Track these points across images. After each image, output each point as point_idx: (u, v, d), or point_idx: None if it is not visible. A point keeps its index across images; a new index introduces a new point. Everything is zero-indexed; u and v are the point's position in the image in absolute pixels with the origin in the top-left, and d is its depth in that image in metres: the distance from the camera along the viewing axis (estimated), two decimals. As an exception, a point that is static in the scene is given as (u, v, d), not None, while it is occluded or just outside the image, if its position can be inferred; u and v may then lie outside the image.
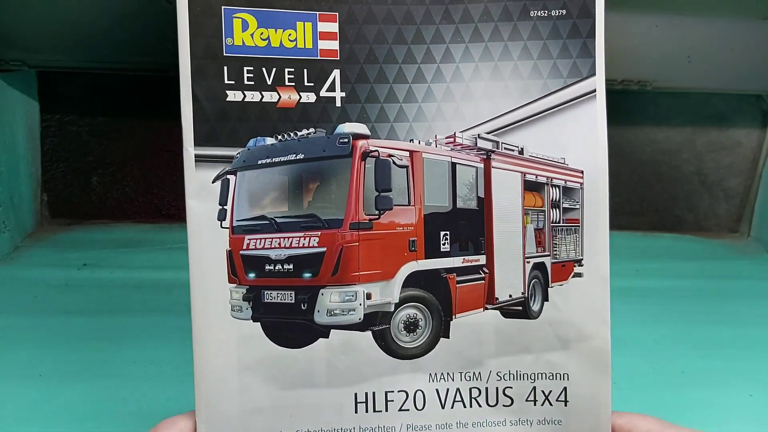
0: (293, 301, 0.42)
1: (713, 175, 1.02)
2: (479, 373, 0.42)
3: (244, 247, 0.42)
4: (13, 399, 0.58)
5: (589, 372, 0.42)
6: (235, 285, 0.40)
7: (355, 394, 0.40)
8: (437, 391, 0.41)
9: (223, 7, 0.39)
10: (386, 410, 0.41)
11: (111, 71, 0.85)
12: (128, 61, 0.83)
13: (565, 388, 0.42)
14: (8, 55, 0.82)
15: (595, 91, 0.40)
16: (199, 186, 0.38)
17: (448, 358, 0.42)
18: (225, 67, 0.39)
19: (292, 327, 0.41)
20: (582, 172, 0.41)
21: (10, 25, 0.78)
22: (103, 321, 0.70)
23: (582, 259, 0.42)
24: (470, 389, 0.42)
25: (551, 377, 0.42)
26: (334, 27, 0.39)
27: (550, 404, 0.42)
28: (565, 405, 0.42)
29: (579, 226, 0.42)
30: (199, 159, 0.38)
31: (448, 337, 0.42)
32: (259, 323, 0.40)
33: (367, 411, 0.40)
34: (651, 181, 1.01)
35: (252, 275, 0.42)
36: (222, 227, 0.39)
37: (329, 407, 0.40)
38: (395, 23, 0.40)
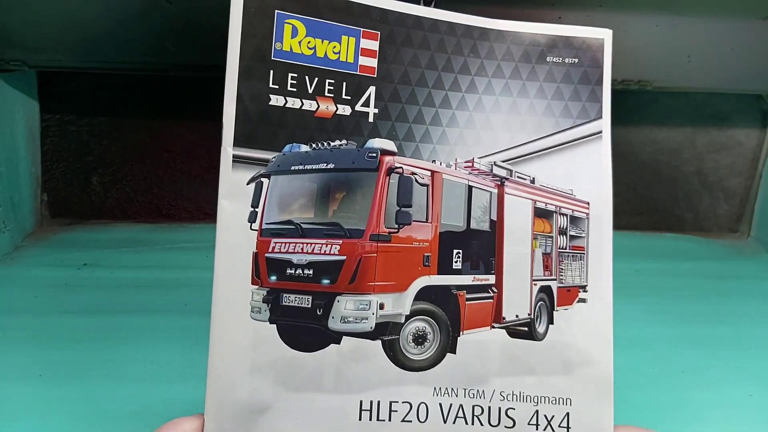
0: (310, 306, 0.42)
1: (713, 175, 1.02)
2: (483, 391, 0.42)
3: (270, 250, 0.43)
4: (13, 399, 0.58)
5: (591, 398, 0.42)
6: (257, 287, 0.41)
7: (361, 402, 0.41)
8: (440, 405, 0.42)
9: (277, 11, 0.40)
10: (389, 420, 0.41)
11: (111, 71, 0.85)
12: (128, 61, 0.83)
13: (567, 414, 0.42)
14: (8, 55, 0.82)
15: (601, 132, 0.44)
16: (234, 186, 0.39)
17: (453, 374, 0.42)
18: (271, 71, 0.40)
19: (306, 331, 0.42)
20: (588, 203, 0.44)
21: (10, 25, 0.78)
22: (103, 321, 0.70)
23: (586, 286, 0.44)
24: (473, 407, 0.42)
25: (554, 401, 0.43)
26: (375, 45, 0.42)
27: (552, 430, 0.42)
28: (567, 431, 0.43)
29: (584, 253, 0.44)
30: (236, 160, 0.39)
31: (454, 353, 0.43)
32: (275, 325, 0.40)
33: (370, 419, 0.41)
34: (651, 181, 1.01)
35: (274, 278, 0.43)
36: (251, 229, 0.40)
37: (334, 413, 0.41)
38: (429, 49, 0.43)
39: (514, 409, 0.42)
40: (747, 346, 0.71)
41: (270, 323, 0.41)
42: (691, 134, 1.01)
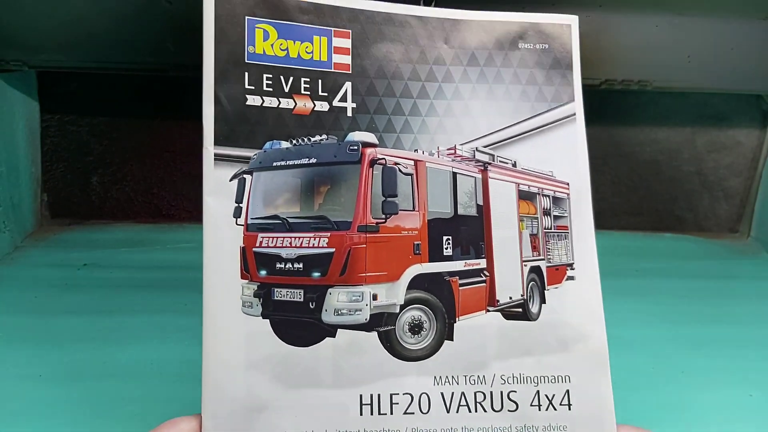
0: (302, 300, 0.42)
1: (713, 175, 1.02)
2: (484, 376, 0.42)
3: (257, 244, 0.43)
4: (13, 399, 0.58)
5: (589, 373, 0.43)
6: (246, 281, 0.41)
7: (360, 396, 0.40)
8: (442, 394, 0.41)
9: (246, 17, 0.41)
10: (391, 413, 0.41)
11: (111, 71, 0.85)
12: (128, 61, 0.83)
13: (567, 391, 0.43)
14: (8, 55, 0.82)
15: (575, 114, 0.45)
16: (217, 184, 0.40)
17: (452, 361, 0.42)
18: (246, 73, 0.41)
19: (300, 325, 0.42)
20: (568, 183, 0.45)
21: (10, 25, 0.78)
22: (103, 321, 0.70)
23: (573, 263, 0.44)
24: (475, 393, 0.42)
25: (553, 380, 0.43)
26: (347, 43, 0.43)
27: (554, 409, 0.42)
28: (569, 409, 0.42)
29: (568, 232, 0.45)
30: (218, 158, 0.40)
31: (452, 340, 0.42)
32: (268, 320, 0.40)
33: (372, 413, 0.40)
34: (651, 181, 1.02)
35: (263, 272, 0.43)
36: (237, 224, 0.40)
37: (334, 408, 0.40)
38: (402, 43, 0.44)
39: (515, 391, 0.42)
40: (747, 346, 0.71)
41: (263, 318, 0.40)
42: (691, 134, 1.01)
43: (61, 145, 0.95)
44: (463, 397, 0.42)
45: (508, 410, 0.42)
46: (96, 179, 0.96)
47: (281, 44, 0.42)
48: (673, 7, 0.77)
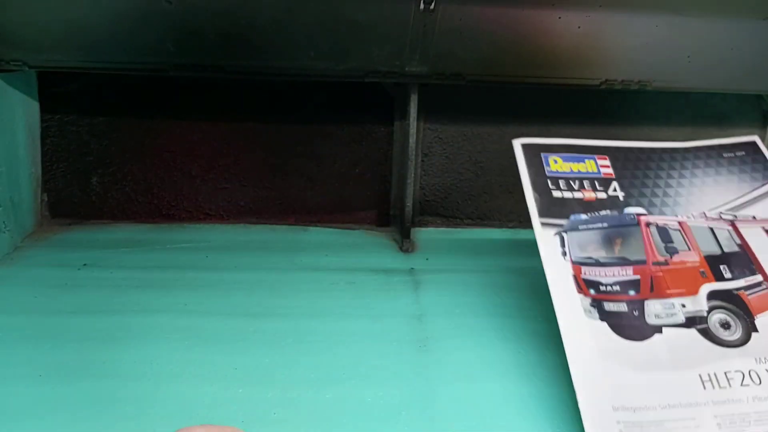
0: (627, 310, 0.55)
1: (713, 175, 1.02)
2: None
3: (583, 274, 0.58)
4: (13, 399, 0.58)
5: None
6: (582, 295, 0.56)
7: (699, 375, 0.51)
8: (767, 370, 0.52)
9: (542, 153, 0.66)
10: (729, 386, 0.51)
11: (111, 71, 0.85)
12: (128, 61, 0.83)
13: None
14: (8, 55, 0.82)
15: None
16: (545, 238, 0.60)
17: (763, 345, 0.53)
18: (548, 180, 0.64)
19: (631, 326, 0.55)
20: None
21: (10, 25, 0.78)
22: (103, 321, 0.70)
23: None
24: None
25: None
26: (607, 161, 0.67)
27: None
28: None
29: None
30: (543, 224, 0.61)
31: (757, 331, 0.54)
32: (605, 323, 0.54)
33: (713, 388, 0.51)
34: (651, 181, 1.01)
35: (593, 291, 0.57)
36: (564, 260, 0.58)
37: (680, 386, 0.51)
38: (644, 161, 0.68)
39: None
40: (747, 346, 0.71)
41: (601, 321, 0.54)
42: (691, 134, 1.01)
43: (61, 145, 0.95)
44: None
45: None
46: (96, 179, 0.96)
47: (566, 165, 0.66)
48: (673, 7, 0.77)
